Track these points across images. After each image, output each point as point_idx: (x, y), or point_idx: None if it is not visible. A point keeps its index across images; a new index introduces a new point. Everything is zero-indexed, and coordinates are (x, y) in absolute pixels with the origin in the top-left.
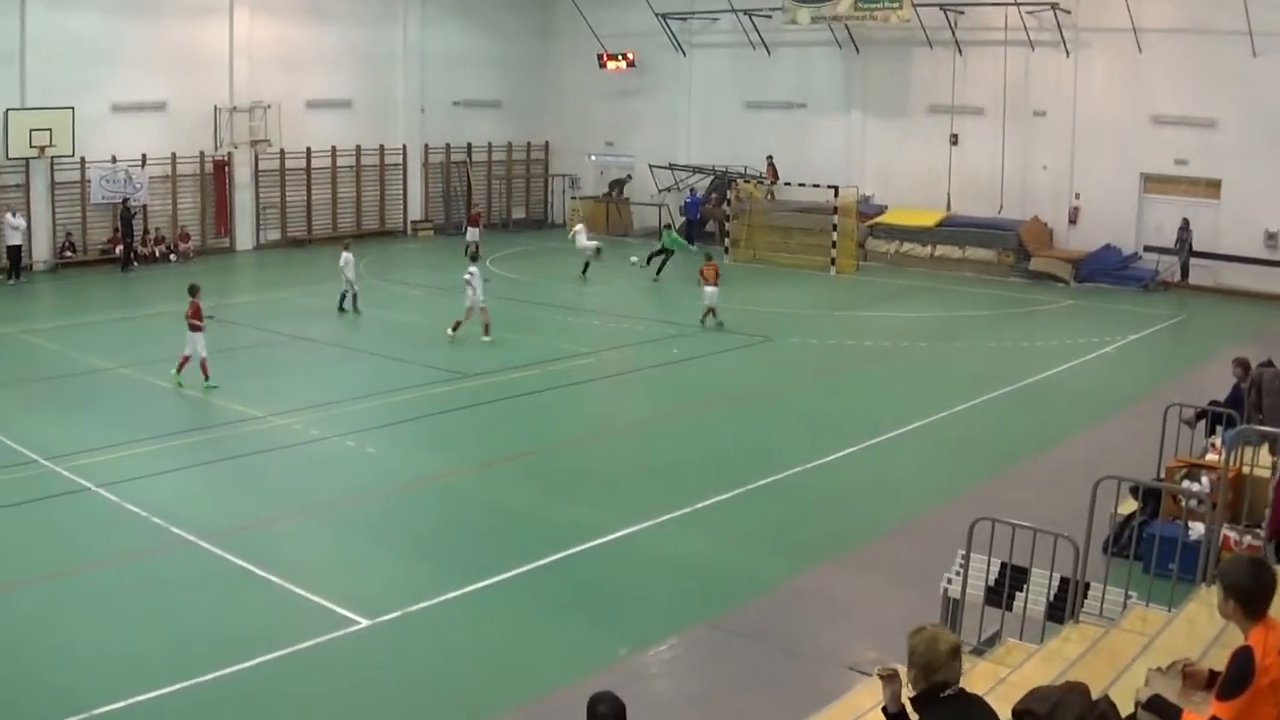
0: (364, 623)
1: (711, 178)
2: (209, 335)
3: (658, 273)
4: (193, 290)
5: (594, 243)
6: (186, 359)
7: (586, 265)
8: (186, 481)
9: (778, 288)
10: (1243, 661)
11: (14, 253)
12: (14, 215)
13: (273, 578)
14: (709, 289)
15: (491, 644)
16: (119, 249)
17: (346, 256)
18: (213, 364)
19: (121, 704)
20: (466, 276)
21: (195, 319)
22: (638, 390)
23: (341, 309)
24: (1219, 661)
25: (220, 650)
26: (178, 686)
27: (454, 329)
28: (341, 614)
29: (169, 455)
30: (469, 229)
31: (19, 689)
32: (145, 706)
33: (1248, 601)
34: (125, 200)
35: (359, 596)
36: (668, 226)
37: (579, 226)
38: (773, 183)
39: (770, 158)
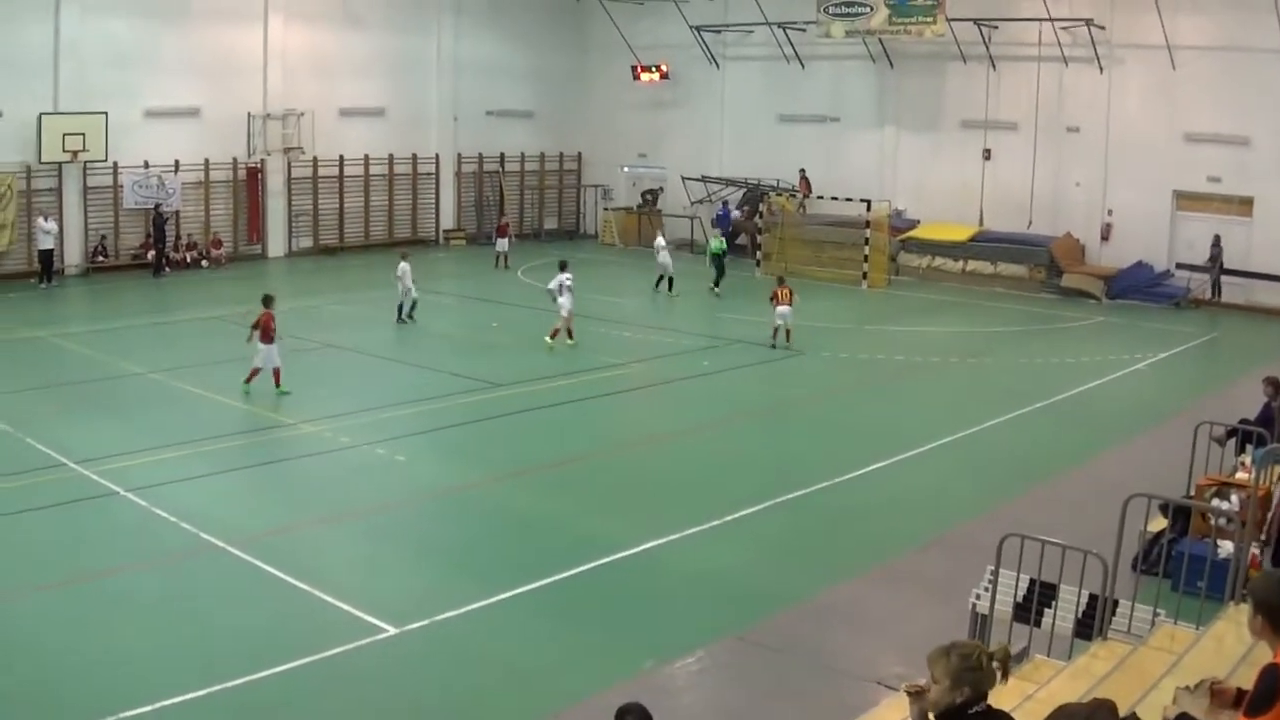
0: (391, 631)
1: (744, 190)
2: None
3: (715, 284)
4: (267, 301)
5: (668, 259)
6: (257, 371)
7: (660, 280)
8: (216, 487)
9: (809, 301)
10: (1271, 679)
11: (46, 257)
12: (45, 219)
13: (301, 584)
14: (781, 309)
15: (518, 654)
16: (151, 254)
17: (404, 266)
18: (240, 371)
19: (149, 708)
20: (564, 282)
21: (267, 330)
22: (668, 402)
23: (400, 319)
24: (1247, 680)
25: (248, 656)
26: (205, 691)
27: (553, 336)
28: (369, 621)
29: (199, 460)
30: (498, 239)
31: (47, 690)
32: (172, 711)
33: (1277, 618)
34: (158, 206)
35: (386, 604)
36: (717, 235)
37: (660, 241)
38: (805, 196)
39: (803, 171)
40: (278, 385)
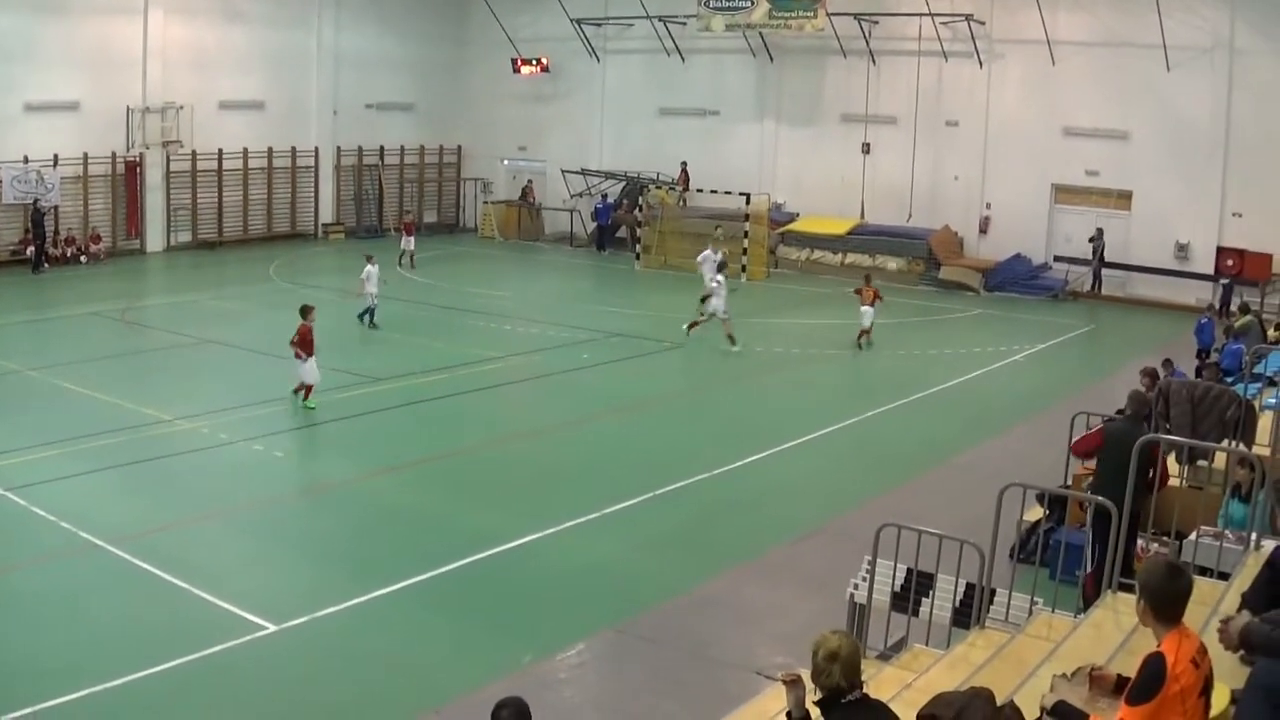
0: (271, 628)
1: (623, 184)
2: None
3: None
4: (305, 311)
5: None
6: (310, 387)
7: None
8: (94, 485)
9: (688, 294)
10: (1155, 667)
11: None
12: None
13: (180, 582)
14: (866, 309)
15: (398, 650)
16: (30, 250)
17: (369, 269)
18: (118, 367)
19: (26, 710)
20: (714, 284)
21: (304, 346)
22: (547, 396)
23: (365, 322)
24: (1123, 668)
25: (128, 655)
26: (85, 692)
27: (690, 327)
28: (248, 619)
29: (77, 459)
30: (404, 237)
31: None
32: (51, 712)
33: (1159, 604)
34: (36, 201)
35: (266, 601)
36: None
37: (707, 254)
38: (684, 189)
39: (684, 164)
40: (305, 399)
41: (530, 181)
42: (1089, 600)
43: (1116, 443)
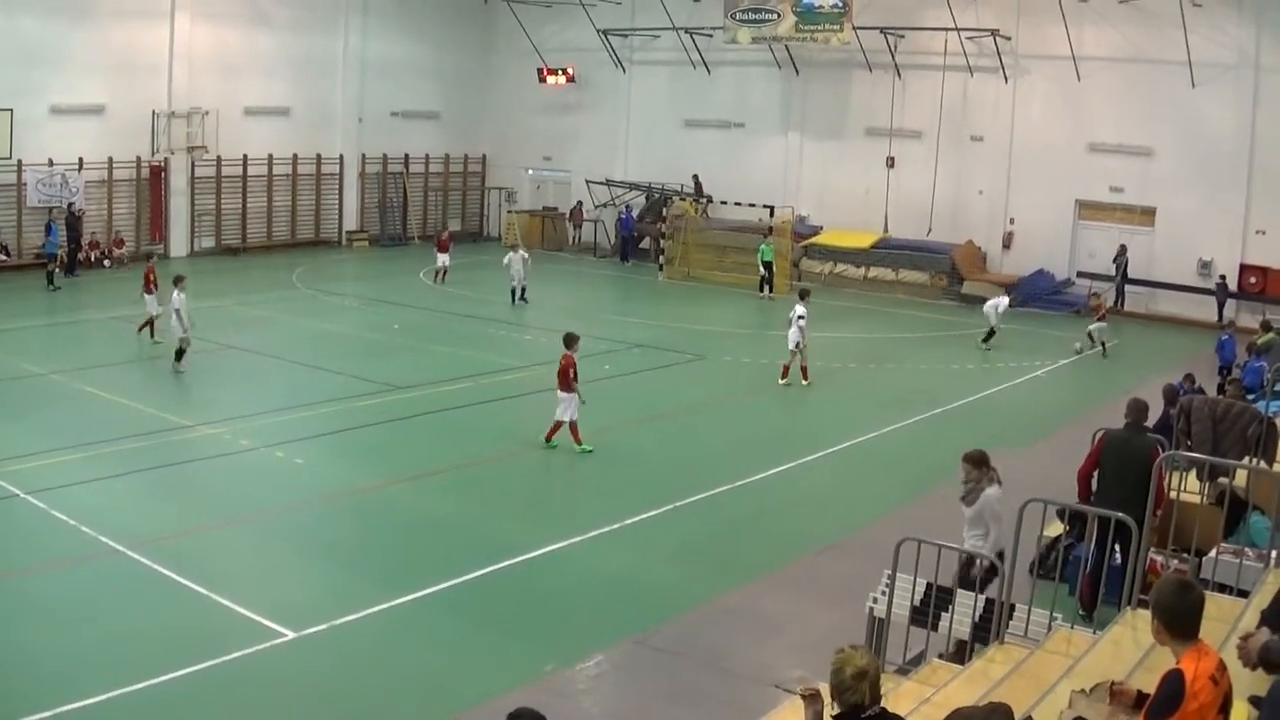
0: (290, 635)
1: (647, 195)
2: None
3: (763, 288)
4: (569, 341)
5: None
6: (560, 425)
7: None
8: (116, 490)
9: (711, 306)
10: (1174, 684)
11: None
12: None
13: (200, 588)
14: (1098, 324)
15: (417, 658)
16: (63, 253)
17: (514, 255)
18: (140, 371)
19: (48, 713)
20: (798, 317)
21: (568, 380)
22: None
23: (515, 302)
24: (1142, 685)
25: (147, 660)
26: (104, 696)
27: (784, 376)
28: (268, 626)
29: (99, 463)
30: (439, 254)
31: None
32: (72, 715)
33: (1171, 621)
34: (70, 205)
35: (286, 608)
36: (766, 241)
37: (995, 302)
38: (697, 199)
39: (696, 176)
40: (578, 443)
41: (580, 203)
42: (1086, 603)
43: (1115, 451)
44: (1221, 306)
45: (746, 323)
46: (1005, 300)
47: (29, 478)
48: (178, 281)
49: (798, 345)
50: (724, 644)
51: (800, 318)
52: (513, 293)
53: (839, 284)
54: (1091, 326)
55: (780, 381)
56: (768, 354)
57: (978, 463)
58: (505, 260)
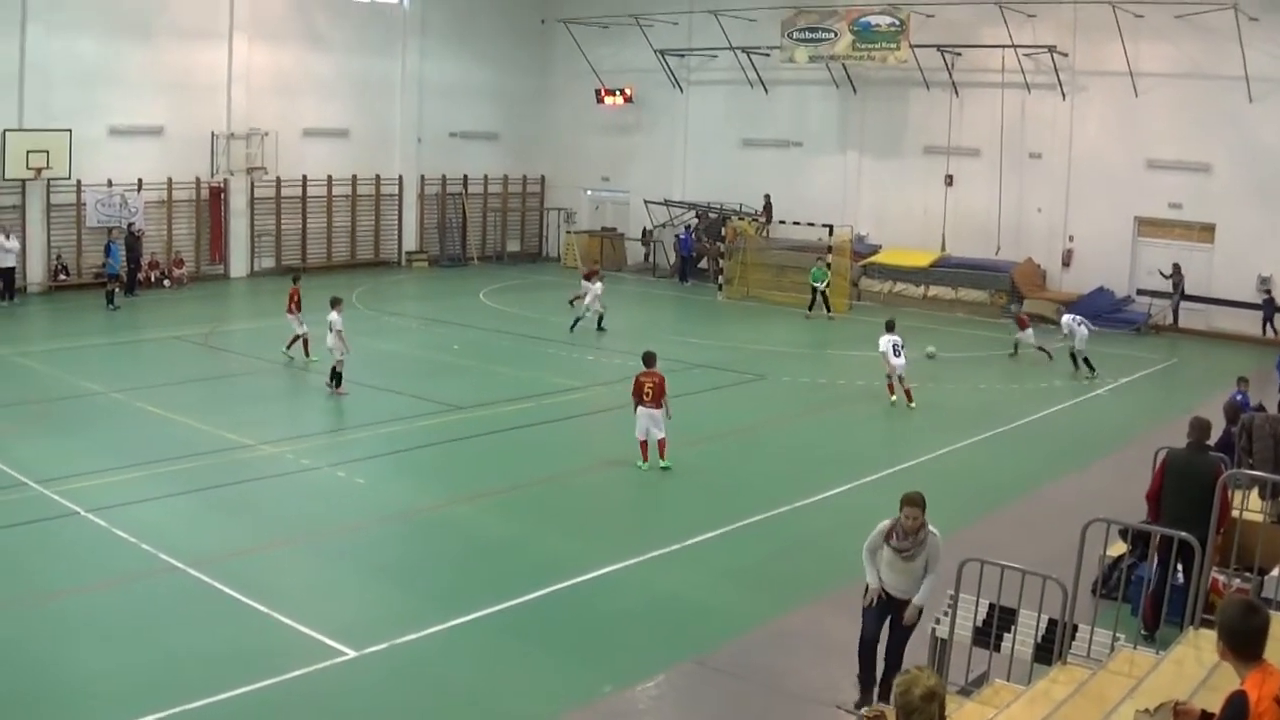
0: (350, 654)
1: (707, 215)
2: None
3: (810, 308)
4: (648, 359)
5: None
6: (657, 443)
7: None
8: (177, 508)
9: (770, 326)
10: (1238, 706)
11: (7, 274)
12: (6, 237)
13: (260, 607)
14: (1023, 334)
15: (477, 678)
16: (123, 272)
17: (588, 285)
18: (201, 391)
19: None
20: (893, 346)
21: (641, 390)
22: (628, 426)
23: (588, 327)
24: (1206, 705)
25: (208, 678)
26: (165, 713)
27: (895, 397)
28: (328, 644)
29: (160, 481)
30: (584, 283)
31: (4, 712)
32: None
33: (1237, 642)
34: (130, 225)
35: (346, 627)
36: (820, 264)
37: (1024, 332)
38: (767, 221)
39: (768, 196)
40: (662, 458)
41: (653, 231)
42: (1148, 624)
43: (1178, 470)
44: (1268, 320)
45: (806, 342)
46: (1084, 330)
47: (90, 495)
48: (335, 303)
49: (898, 373)
50: (785, 665)
51: (895, 345)
52: (596, 318)
53: (898, 303)
54: (1017, 336)
55: (890, 400)
56: (827, 374)
57: (923, 505)
58: (582, 290)
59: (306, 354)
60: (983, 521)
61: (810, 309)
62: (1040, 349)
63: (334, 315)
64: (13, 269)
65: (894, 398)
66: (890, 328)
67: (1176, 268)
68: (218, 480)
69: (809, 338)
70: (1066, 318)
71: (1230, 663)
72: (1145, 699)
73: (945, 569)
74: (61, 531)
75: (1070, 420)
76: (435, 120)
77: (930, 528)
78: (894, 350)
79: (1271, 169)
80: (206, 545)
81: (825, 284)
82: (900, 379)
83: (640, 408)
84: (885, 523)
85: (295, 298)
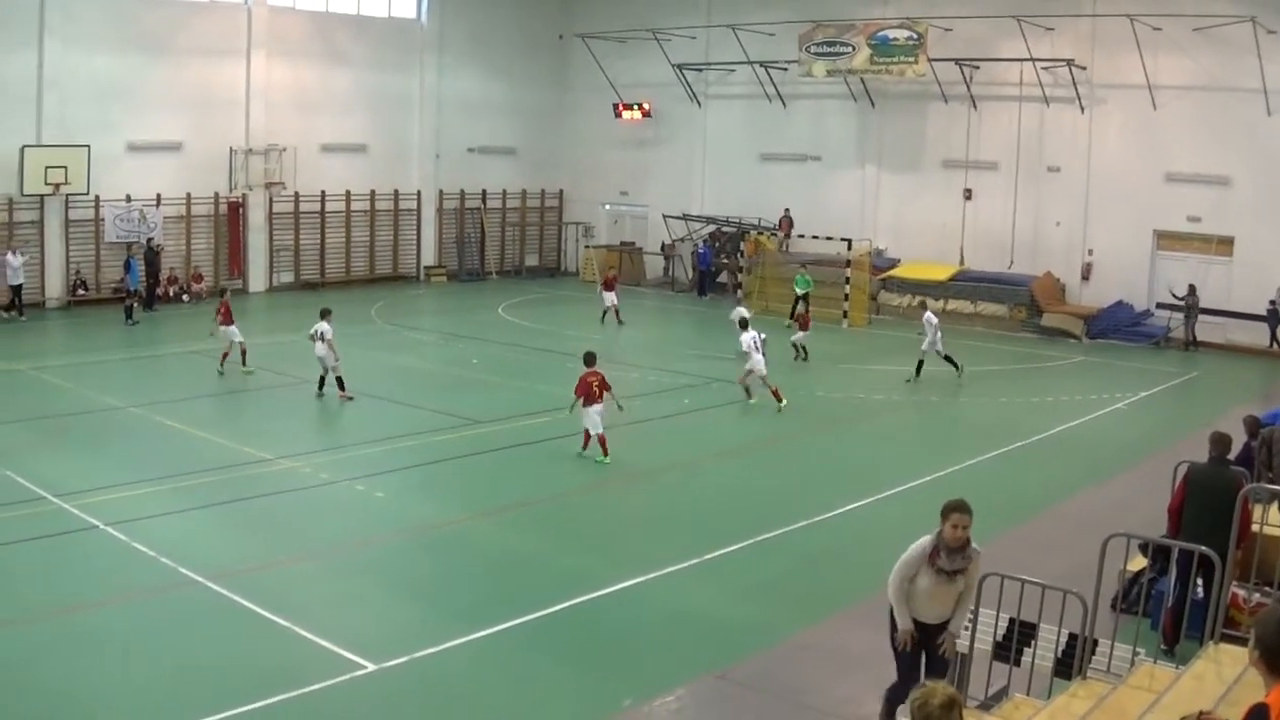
0: (370, 667)
1: (724, 230)
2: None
3: (792, 315)
4: (590, 359)
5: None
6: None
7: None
8: (195, 522)
9: (789, 339)
10: (1258, 718)
11: (16, 290)
12: (14, 254)
13: (279, 620)
14: (801, 334)
15: (496, 692)
16: (142, 287)
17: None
18: (220, 405)
19: None
20: (755, 340)
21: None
22: (647, 440)
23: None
24: (1228, 718)
25: (227, 691)
26: None
27: (754, 400)
28: (347, 658)
29: (179, 495)
30: (604, 293)
31: None
32: None
33: (1269, 654)
34: (150, 240)
35: (365, 641)
36: (803, 271)
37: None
38: (786, 235)
39: (787, 210)
40: (600, 452)
41: (673, 245)
42: (1168, 638)
43: (1199, 484)
44: (1275, 331)
45: (825, 356)
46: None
47: (109, 509)
48: (325, 314)
49: (760, 372)
50: (805, 679)
51: (755, 341)
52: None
53: (917, 317)
54: (794, 338)
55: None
56: (845, 388)
57: (972, 512)
58: (606, 304)
59: (243, 363)
60: (1003, 535)
61: (792, 316)
62: (803, 347)
63: (324, 325)
64: (20, 285)
65: (753, 400)
66: (745, 325)
67: (1191, 289)
68: (236, 494)
69: (827, 351)
70: (928, 315)
71: (1260, 671)
72: (1165, 714)
73: None
74: (81, 545)
75: (1090, 434)
76: (453, 135)
77: (973, 543)
78: (755, 346)
79: None
80: (225, 559)
81: (806, 292)
82: (764, 379)
83: (590, 405)
84: (922, 542)
85: (225, 309)
